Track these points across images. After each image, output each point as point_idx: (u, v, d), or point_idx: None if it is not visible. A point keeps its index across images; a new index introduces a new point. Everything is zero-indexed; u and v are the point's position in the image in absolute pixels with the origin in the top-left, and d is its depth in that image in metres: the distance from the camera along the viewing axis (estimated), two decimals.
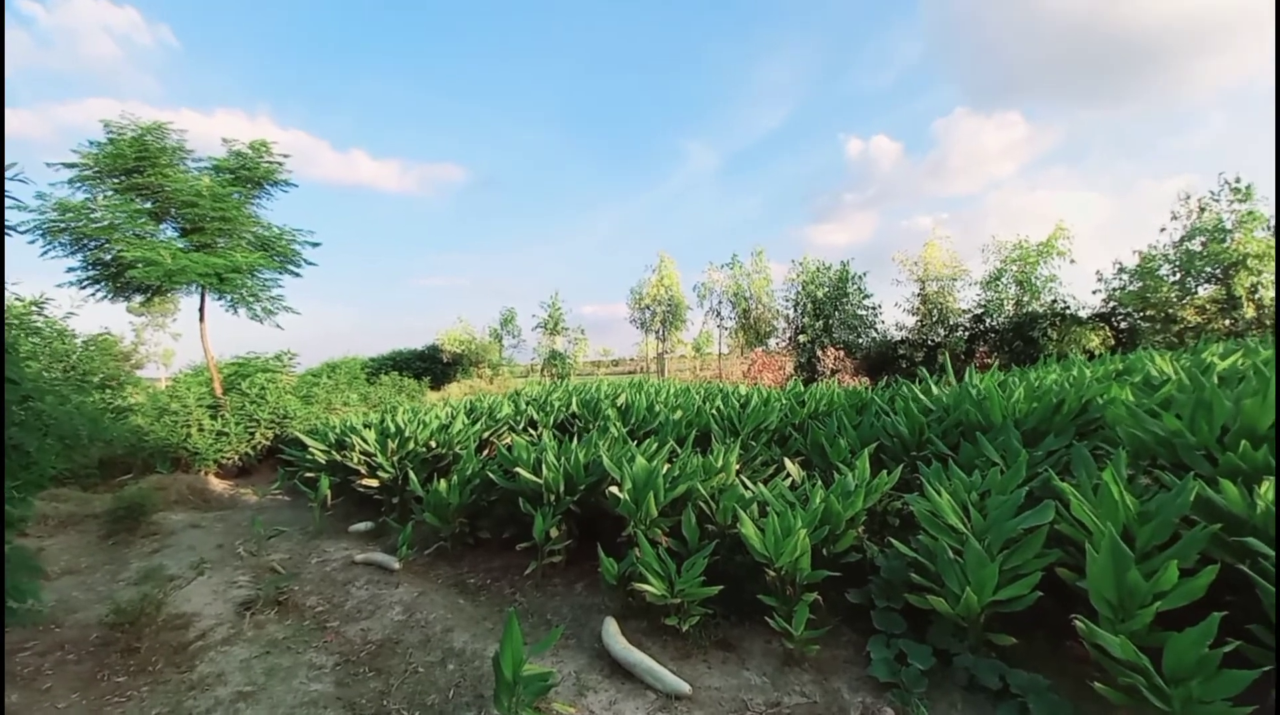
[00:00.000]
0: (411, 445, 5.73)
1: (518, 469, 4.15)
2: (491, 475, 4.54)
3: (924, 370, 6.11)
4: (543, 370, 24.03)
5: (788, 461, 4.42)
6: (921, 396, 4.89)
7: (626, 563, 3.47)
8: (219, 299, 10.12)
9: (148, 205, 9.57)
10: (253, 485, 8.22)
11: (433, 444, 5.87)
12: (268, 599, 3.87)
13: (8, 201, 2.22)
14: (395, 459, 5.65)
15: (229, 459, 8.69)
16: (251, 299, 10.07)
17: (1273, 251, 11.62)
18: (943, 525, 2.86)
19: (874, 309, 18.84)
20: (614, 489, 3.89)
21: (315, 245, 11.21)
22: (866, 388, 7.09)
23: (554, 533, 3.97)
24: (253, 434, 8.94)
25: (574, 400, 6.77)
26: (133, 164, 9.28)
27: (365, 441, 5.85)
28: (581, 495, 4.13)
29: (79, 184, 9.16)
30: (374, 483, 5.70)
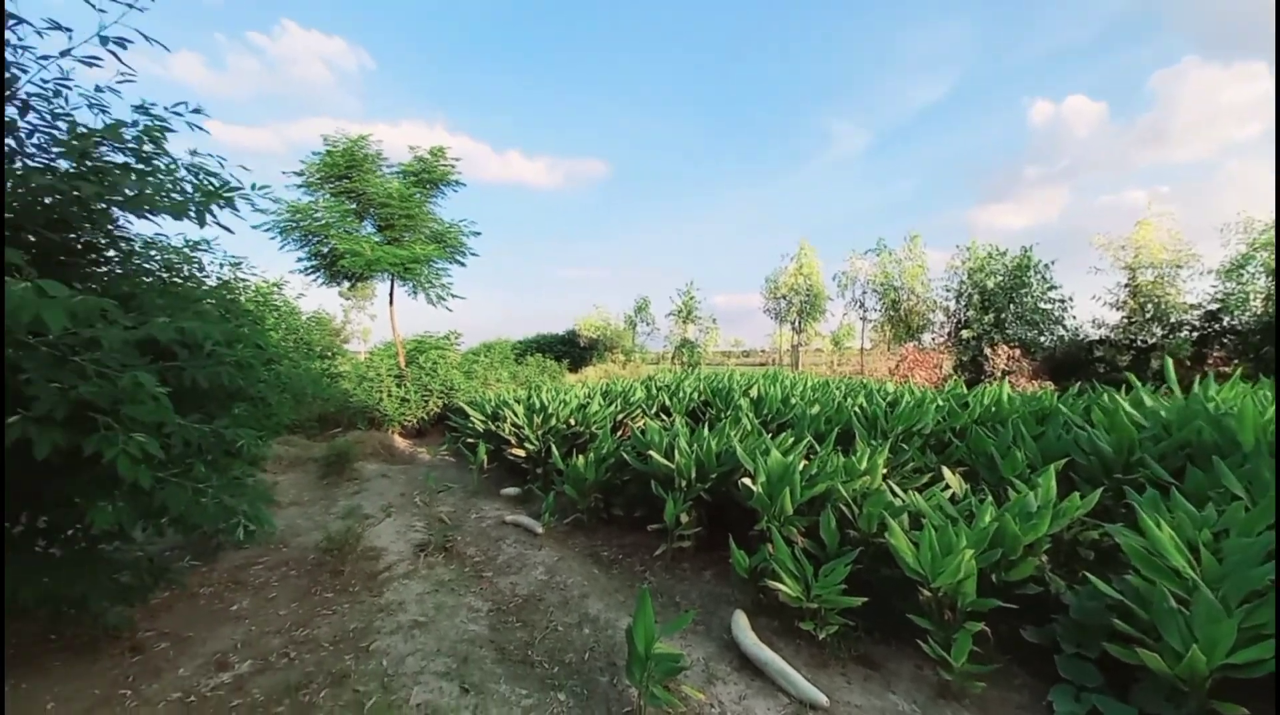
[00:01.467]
0: (554, 421, 6.16)
1: (650, 452, 4.24)
2: (625, 456, 4.71)
3: (1133, 377, 5.02)
4: (673, 358, 24.36)
5: (946, 471, 3.94)
6: (1130, 408, 4.04)
7: (759, 557, 3.38)
8: (403, 285, 11.82)
9: (353, 206, 11.44)
10: (426, 445, 9.51)
11: (572, 422, 6.25)
12: (437, 544, 4.45)
13: (256, 204, 2.75)
14: (540, 433, 6.12)
15: (409, 421, 10.16)
16: (428, 285, 11.59)
17: None
18: (1162, 566, 2.33)
19: (1062, 302, 15.97)
20: (746, 480, 3.80)
21: (476, 234, 12.55)
22: (1050, 393, 6.05)
23: (684, 518, 4.00)
24: (427, 401, 10.35)
25: (706, 388, 6.75)
26: (343, 171, 11.13)
27: (515, 415, 6.41)
28: (713, 483, 4.10)
29: (304, 189, 11.26)
30: (521, 453, 6.24)
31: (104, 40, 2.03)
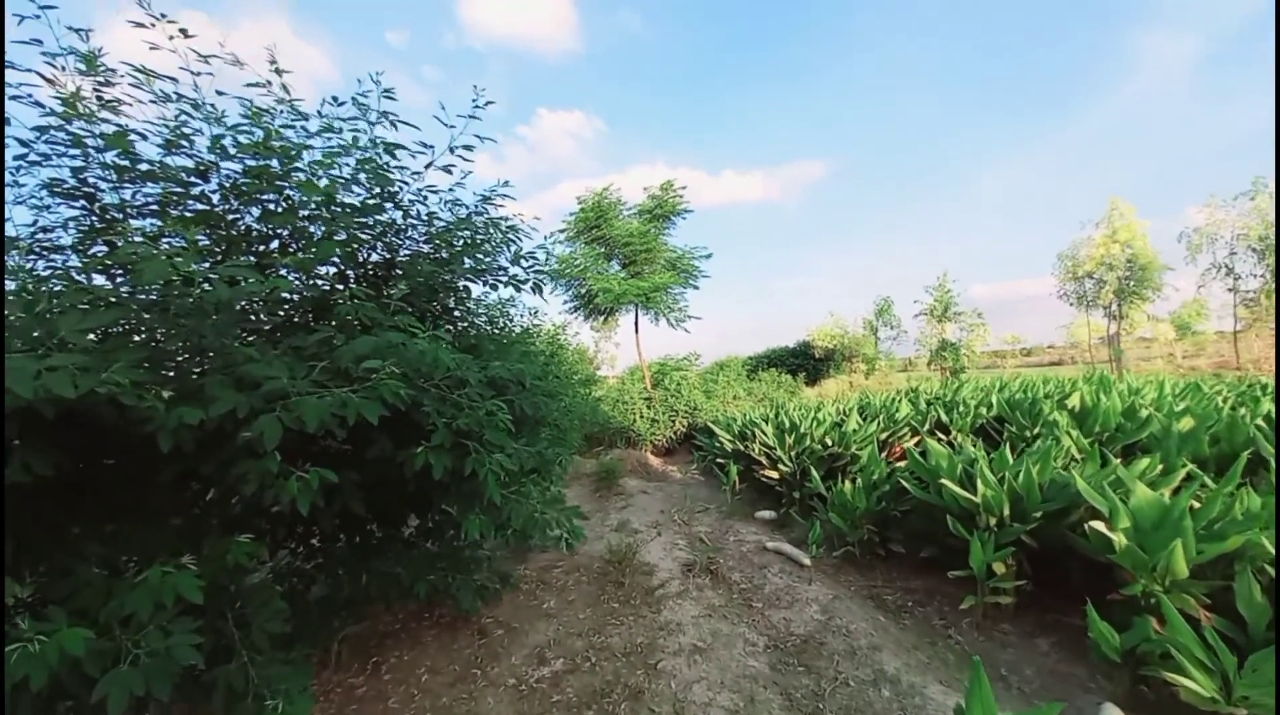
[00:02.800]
0: (808, 441, 5.77)
1: (943, 481, 3.55)
2: (904, 483, 4.07)
3: None
4: (930, 363, 21.08)
5: None
6: None
7: (1136, 635, 2.48)
8: (646, 313, 12.91)
9: (602, 249, 13.03)
10: (675, 463, 10.02)
11: (828, 442, 5.77)
12: (702, 566, 4.50)
13: (548, 259, 3.24)
14: (793, 454, 5.80)
15: (659, 440, 10.89)
16: (667, 311, 12.43)
17: None
18: None
19: None
20: (1098, 525, 2.87)
21: (707, 257, 13.09)
22: None
23: (999, 568, 3.21)
24: (673, 421, 10.97)
25: (998, 400, 5.51)
26: (594, 222, 12.80)
27: (765, 435, 6.23)
28: (1038, 525, 3.22)
29: (565, 242, 13.27)
30: (774, 475, 6.01)
31: (452, 149, 2.67)
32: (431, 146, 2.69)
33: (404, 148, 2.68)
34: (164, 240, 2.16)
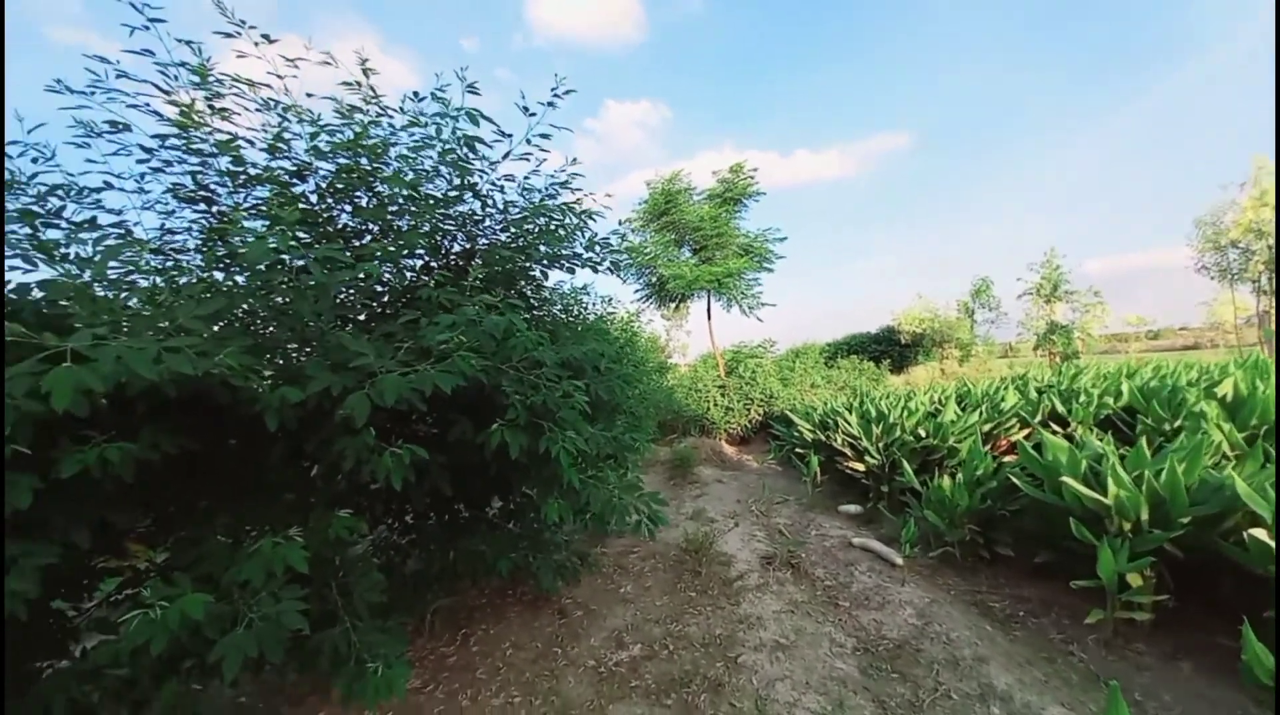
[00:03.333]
0: (898, 432, 5.38)
1: (1063, 478, 3.15)
2: (1014, 479, 3.67)
3: None
4: (1036, 348, 19.10)
5: None
6: None
7: None
8: (718, 300, 12.64)
9: (672, 236, 12.88)
10: (751, 452, 9.78)
11: (921, 433, 5.34)
12: (782, 559, 4.33)
13: (616, 246, 3.20)
14: (881, 445, 5.44)
15: (734, 429, 10.67)
16: (740, 297, 12.11)
17: None
18: None
19: None
20: (1259, 533, 2.42)
21: (782, 240, 12.58)
22: None
23: (1134, 580, 2.81)
24: (749, 410, 10.69)
25: (1130, 388, 4.84)
26: (663, 208, 12.66)
27: (849, 424, 5.89)
28: (1184, 532, 2.77)
29: (636, 230, 13.24)
30: (859, 467, 5.67)
31: (529, 141, 2.69)
32: (510, 134, 2.72)
33: (482, 140, 2.73)
34: (270, 239, 2.32)
